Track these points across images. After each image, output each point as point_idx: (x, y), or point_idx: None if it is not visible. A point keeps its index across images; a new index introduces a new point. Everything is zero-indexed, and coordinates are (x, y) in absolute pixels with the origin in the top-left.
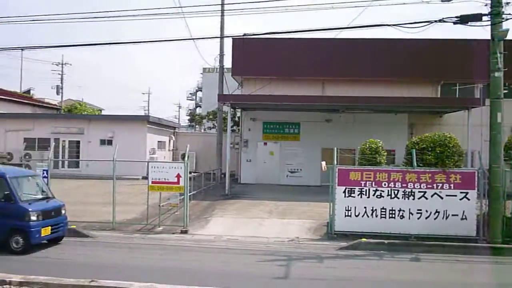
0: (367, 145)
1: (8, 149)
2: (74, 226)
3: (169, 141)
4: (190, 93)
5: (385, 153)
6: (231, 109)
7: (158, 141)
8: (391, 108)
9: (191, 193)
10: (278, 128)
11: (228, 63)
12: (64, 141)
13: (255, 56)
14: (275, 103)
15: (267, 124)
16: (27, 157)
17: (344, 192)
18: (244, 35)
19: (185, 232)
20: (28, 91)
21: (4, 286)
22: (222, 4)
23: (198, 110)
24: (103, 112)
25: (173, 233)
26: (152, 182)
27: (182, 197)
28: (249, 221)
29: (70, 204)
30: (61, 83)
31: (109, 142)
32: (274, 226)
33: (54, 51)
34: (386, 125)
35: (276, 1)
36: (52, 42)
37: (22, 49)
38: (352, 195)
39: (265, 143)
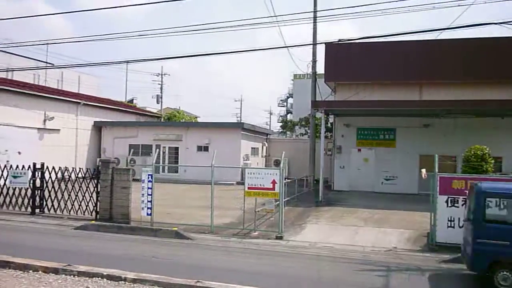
0: (472, 152)
1: (116, 154)
2: (176, 228)
3: (262, 147)
4: (281, 100)
5: (492, 161)
6: (324, 115)
7: (252, 148)
8: (498, 112)
9: (285, 199)
10: (372, 134)
11: (320, 69)
12: (164, 147)
13: (348, 61)
14: (370, 109)
15: (361, 130)
16: (131, 162)
17: (447, 201)
18: (339, 40)
19: (280, 238)
20: (132, 101)
21: (120, 282)
22: (315, 11)
23: (289, 117)
24: (199, 120)
25: (268, 239)
26: (248, 188)
27: (277, 203)
28: (344, 228)
29: (171, 207)
30: (161, 92)
31: (205, 148)
32: (370, 235)
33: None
34: (492, 130)
35: (370, 5)
36: (153, 54)
37: (127, 62)
38: (456, 205)
39: (359, 150)
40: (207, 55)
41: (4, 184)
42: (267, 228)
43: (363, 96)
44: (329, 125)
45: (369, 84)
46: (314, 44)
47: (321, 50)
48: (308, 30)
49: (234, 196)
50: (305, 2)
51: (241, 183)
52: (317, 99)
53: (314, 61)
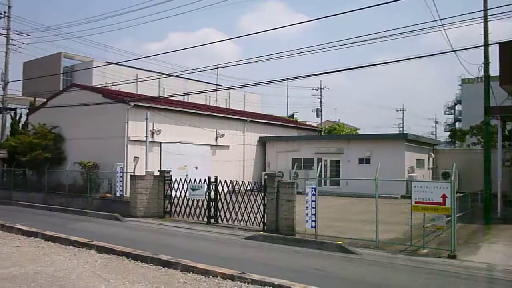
0: None
1: (279, 168)
2: (340, 242)
3: (428, 158)
4: (448, 107)
5: None
6: (501, 122)
7: (417, 159)
8: None
9: (457, 215)
10: None
11: (494, 71)
12: (325, 160)
13: None
14: None
15: None
16: (294, 175)
17: None
18: None
19: (453, 257)
20: (292, 115)
21: None
22: (485, 10)
23: (457, 125)
24: (359, 132)
25: (439, 257)
26: (416, 202)
27: (448, 219)
28: None
29: (334, 220)
30: (320, 106)
31: (367, 161)
32: None
33: (313, 78)
34: None
35: None
36: (311, 70)
37: (288, 79)
38: None
39: None
40: (366, 66)
41: (185, 196)
42: (437, 246)
43: None
44: (506, 133)
45: None
46: (486, 45)
47: (494, 51)
48: (474, 29)
49: (399, 211)
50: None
51: (406, 196)
52: (491, 105)
53: (486, 64)
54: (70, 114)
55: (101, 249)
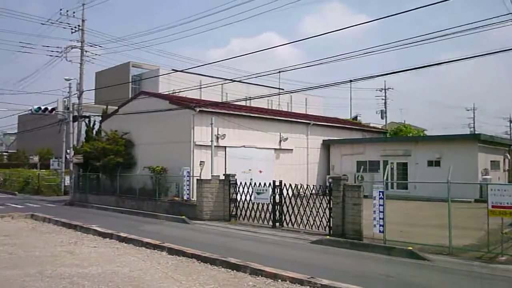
0: None
1: (344, 171)
2: (411, 248)
3: (504, 160)
4: None
5: None
6: None
7: (491, 161)
8: None
9: None
10: None
11: None
12: (392, 163)
13: None
14: None
15: None
16: (360, 178)
17: None
18: None
19: None
20: (356, 118)
21: None
22: None
23: None
24: (426, 133)
25: None
26: (492, 206)
27: None
28: None
29: (403, 224)
30: (385, 107)
31: (437, 163)
32: None
33: (377, 78)
34: None
35: None
36: (374, 71)
37: (351, 81)
38: None
39: None
40: (433, 65)
41: (250, 199)
42: None
43: None
44: None
45: None
46: None
47: None
48: None
49: (472, 215)
50: None
51: (480, 200)
52: None
53: None
54: (139, 121)
55: (171, 251)
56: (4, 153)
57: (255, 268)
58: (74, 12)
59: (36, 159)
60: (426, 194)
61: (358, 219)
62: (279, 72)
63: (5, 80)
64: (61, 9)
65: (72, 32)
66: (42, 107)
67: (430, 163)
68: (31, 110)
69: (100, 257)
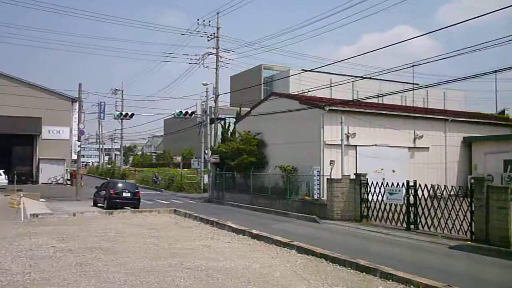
0: None
1: (488, 171)
2: None
3: None
4: None
5: None
6: None
7: None
8: None
9: None
10: None
11: None
12: None
13: None
14: None
15: None
16: (508, 179)
17: None
18: None
19: None
20: (503, 112)
21: None
22: None
23: None
24: None
25: None
26: None
27: None
28: None
29: None
30: None
31: None
32: None
33: None
34: None
35: None
36: None
37: (496, 71)
38: None
39: None
40: None
41: (382, 200)
42: None
43: None
44: None
45: None
46: None
47: None
48: None
49: None
50: None
51: None
52: None
53: None
54: (270, 121)
55: (301, 250)
56: (153, 154)
57: (386, 272)
58: (209, 21)
59: (179, 159)
60: None
61: (504, 224)
62: (413, 66)
63: (155, 88)
64: (198, 19)
65: (208, 40)
66: (183, 111)
67: None
68: (174, 114)
69: (233, 252)
